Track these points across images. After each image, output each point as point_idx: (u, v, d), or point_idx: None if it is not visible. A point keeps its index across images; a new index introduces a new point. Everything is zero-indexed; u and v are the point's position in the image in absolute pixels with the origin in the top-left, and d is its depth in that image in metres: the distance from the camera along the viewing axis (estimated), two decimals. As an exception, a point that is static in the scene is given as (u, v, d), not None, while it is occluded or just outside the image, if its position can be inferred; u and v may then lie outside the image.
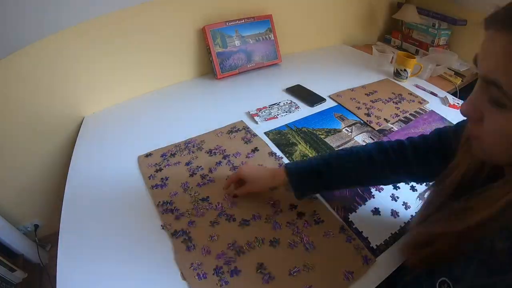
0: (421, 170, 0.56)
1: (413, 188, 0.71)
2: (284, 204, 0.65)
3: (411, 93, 1.09)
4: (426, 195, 0.51)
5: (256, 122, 0.91)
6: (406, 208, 0.66)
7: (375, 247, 0.58)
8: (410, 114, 0.98)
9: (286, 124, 0.90)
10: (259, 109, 0.96)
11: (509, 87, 0.28)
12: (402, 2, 1.62)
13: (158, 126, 0.90)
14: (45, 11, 0.76)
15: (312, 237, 0.58)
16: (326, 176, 0.57)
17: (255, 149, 0.80)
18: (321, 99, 1.02)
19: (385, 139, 0.86)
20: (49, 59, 0.84)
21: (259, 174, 0.62)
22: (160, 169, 0.74)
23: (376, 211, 0.65)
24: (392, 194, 0.69)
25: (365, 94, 1.07)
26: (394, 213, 0.65)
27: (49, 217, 1.15)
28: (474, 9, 1.41)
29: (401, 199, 0.68)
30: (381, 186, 0.70)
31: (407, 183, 0.69)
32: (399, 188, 0.70)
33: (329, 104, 1.01)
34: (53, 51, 0.83)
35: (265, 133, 0.86)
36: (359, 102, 1.02)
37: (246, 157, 0.78)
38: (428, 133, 0.58)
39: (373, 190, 0.70)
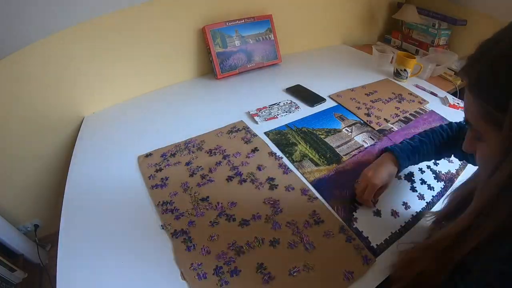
0: None
1: (413, 189, 0.71)
2: (284, 204, 0.65)
3: (411, 93, 1.09)
4: None
5: (256, 122, 0.91)
6: (406, 208, 0.66)
7: (375, 246, 0.58)
8: (410, 114, 0.98)
9: (286, 124, 0.90)
10: (259, 109, 0.96)
11: (484, 134, 0.35)
12: (402, 2, 1.62)
13: (158, 126, 0.90)
14: (45, 11, 0.76)
15: (312, 237, 0.58)
16: (423, 152, 0.66)
17: (255, 149, 0.80)
18: (321, 99, 1.02)
19: (385, 139, 0.86)
20: (49, 59, 0.84)
21: (387, 171, 0.63)
22: (160, 169, 0.74)
23: (377, 212, 0.65)
24: (393, 194, 0.69)
25: (365, 94, 1.07)
26: (394, 213, 0.65)
27: (49, 217, 1.15)
28: (474, 9, 1.41)
29: (401, 199, 0.68)
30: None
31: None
32: (398, 189, 0.71)
33: (329, 104, 1.01)
34: (53, 51, 0.83)
35: (265, 133, 0.86)
36: (359, 102, 1.02)
37: (246, 157, 0.78)
38: None
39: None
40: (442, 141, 0.66)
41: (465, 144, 0.41)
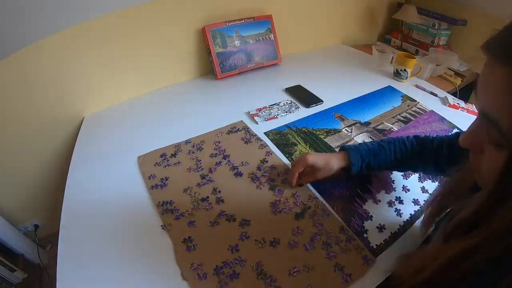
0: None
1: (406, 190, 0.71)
2: (284, 204, 0.65)
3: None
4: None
5: (256, 122, 0.91)
6: (402, 211, 0.66)
7: (375, 246, 0.58)
8: (410, 114, 0.98)
9: (286, 124, 0.90)
10: (259, 109, 0.96)
11: (509, 130, 0.26)
12: (402, 2, 1.62)
13: (158, 126, 0.90)
14: (46, 11, 0.76)
15: (312, 237, 0.58)
16: (380, 156, 0.64)
17: (255, 149, 0.80)
18: (317, 100, 1.01)
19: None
20: (49, 59, 0.84)
21: (327, 158, 0.65)
22: (160, 169, 0.74)
23: (376, 214, 0.65)
24: (392, 197, 0.69)
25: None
26: (394, 213, 0.65)
27: (49, 217, 1.15)
28: (474, 9, 1.41)
29: (399, 199, 0.68)
30: (380, 190, 0.70)
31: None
32: (394, 190, 0.71)
33: (327, 104, 1.01)
34: (53, 51, 0.83)
35: (265, 133, 0.86)
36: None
37: (246, 157, 0.77)
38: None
39: (373, 190, 0.69)
40: (405, 151, 0.63)
41: (467, 139, 0.33)
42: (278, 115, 0.94)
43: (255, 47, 1.18)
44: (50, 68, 0.85)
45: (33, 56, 0.81)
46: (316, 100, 1.01)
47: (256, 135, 0.85)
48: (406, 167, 0.68)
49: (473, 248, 0.31)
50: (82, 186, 0.71)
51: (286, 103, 1.00)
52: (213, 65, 1.12)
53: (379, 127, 0.91)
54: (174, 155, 0.78)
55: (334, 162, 0.64)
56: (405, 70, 1.14)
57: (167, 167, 0.74)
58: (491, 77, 0.27)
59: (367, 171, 0.65)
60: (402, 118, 0.95)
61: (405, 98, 1.07)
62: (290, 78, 1.15)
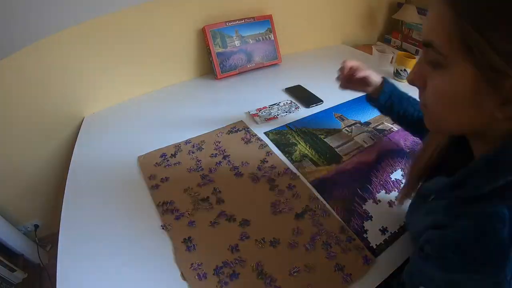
0: None
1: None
2: (284, 204, 0.65)
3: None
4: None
5: (256, 122, 0.91)
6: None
7: (375, 247, 0.58)
8: (410, 114, 0.98)
9: (286, 124, 0.90)
10: (259, 109, 0.96)
11: (441, 45, 0.30)
12: (402, 2, 1.62)
13: (158, 126, 0.90)
14: (46, 11, 0.76)
15: (312, 237, 0.58)
16: (406, 106, 0.69)
17: (255, 150, 0.80)
18: (317, 100, 1.01)
19: (385, 139, 0.86)
20: (49, 59, 0.84)
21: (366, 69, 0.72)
22: (160, 169, 0.73)
23: (375, 214, 0.65)
24: (392, 197, 0.69)
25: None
26: (394, 213, 0.65)
27: (49, 217, 1.15)
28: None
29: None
30: (380, 190, 0.70)
31: None
32: (394, 190, 0.71)
33: (327, 104, 1.01)
34: (53, 51, 0.84)
35: (265, 133, 0.86)
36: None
37: (246, 157, 0.77)
38: None
39: (373, 190, 0.69)
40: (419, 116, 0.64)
41: (411, 74, 0.36)
42: (278, 115, 0.94)
43: (255, 47, 1.18)
44: (50, 68, 0.85)
45: (33, 56, 0.81)
46: (316, 100, 1.01)
47: (256, 135, 0.85)
48: (413, 129, 0.72)
49: None
50: (81, 186, 0.71)
51: (286, 103, 1.00)
52: (213, 65, 1.12)
53: (379, 127, 0.91)
54: (174, 155, 0.78)
55: (375, 78, 0.70)
56: (405, 70, 1.14)
57: (167, 167, 0.74)
58: (431, 8, 0.31)
59: (385, 111, 0.72)
60: (402, 118, 0.95)
61: (405, 98, 1.06)
62: (290, 78, 1.15)
